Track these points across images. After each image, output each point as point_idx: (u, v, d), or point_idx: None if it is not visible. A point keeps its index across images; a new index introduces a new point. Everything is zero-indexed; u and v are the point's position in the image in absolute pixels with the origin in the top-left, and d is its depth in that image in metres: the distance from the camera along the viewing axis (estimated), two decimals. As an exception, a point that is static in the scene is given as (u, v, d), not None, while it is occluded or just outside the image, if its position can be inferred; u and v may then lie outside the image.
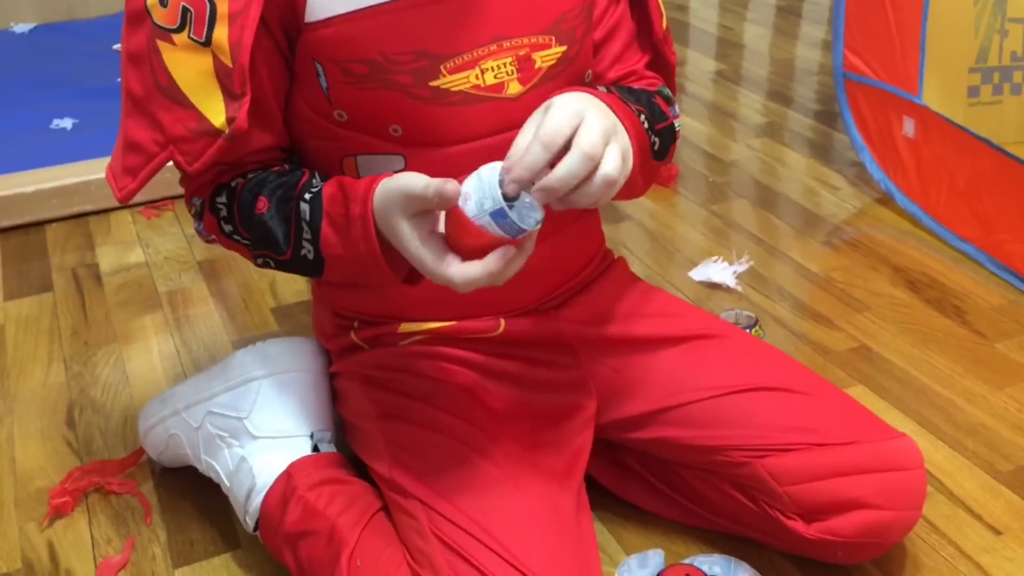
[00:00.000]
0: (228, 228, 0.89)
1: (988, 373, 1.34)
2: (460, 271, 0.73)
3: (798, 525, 0.95)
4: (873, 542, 0.94)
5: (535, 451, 0.94)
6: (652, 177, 0.96)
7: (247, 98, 0.80)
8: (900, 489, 0.93)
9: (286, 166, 0.90)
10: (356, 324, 1.00)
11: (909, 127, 1.72)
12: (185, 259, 1.68)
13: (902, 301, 1.52)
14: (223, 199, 0.88)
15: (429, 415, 0.93)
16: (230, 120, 0.81)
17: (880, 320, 1.48)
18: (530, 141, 0.71)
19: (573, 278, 1.03)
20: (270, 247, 0.86)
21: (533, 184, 0.71)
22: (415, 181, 0.73)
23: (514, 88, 0.87)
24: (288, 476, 0.96)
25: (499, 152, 0.87)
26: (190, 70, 0.82)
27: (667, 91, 1.00)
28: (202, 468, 1.07)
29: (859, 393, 1.31)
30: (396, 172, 0.88)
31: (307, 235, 0.83)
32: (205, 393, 1.07)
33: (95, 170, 1.80)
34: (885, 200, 1.82)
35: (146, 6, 0.83)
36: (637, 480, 1.09)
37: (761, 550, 1.04)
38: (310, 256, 0.84)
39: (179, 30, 0.81)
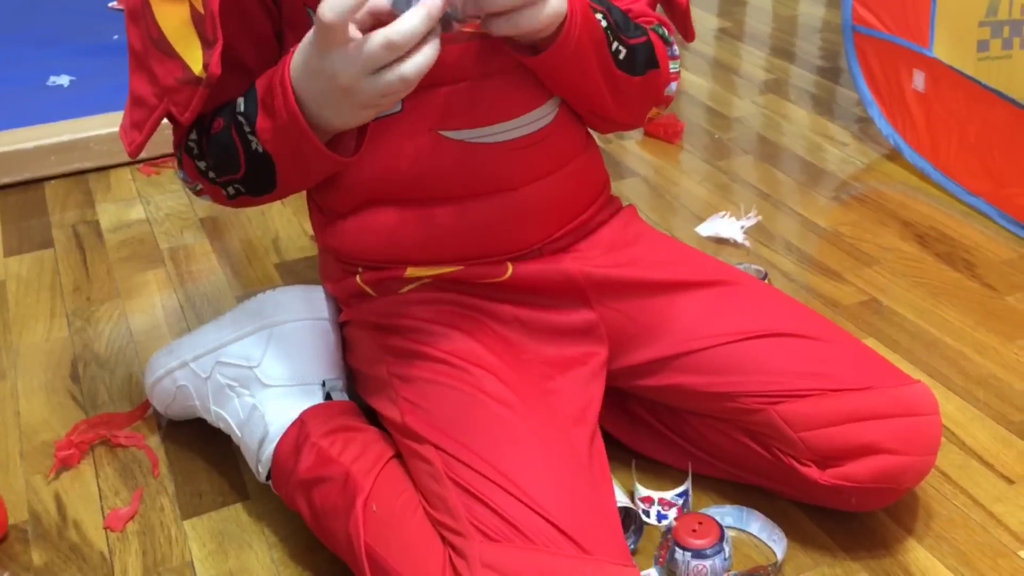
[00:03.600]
0: (202, 165, 0.89)
1: (999, 325, 1.34)
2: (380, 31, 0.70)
3: (812, 471, 0.94)
4: (887, 488, 0.94)
5: (548, 397, 0.93)
6: (624, 94, 0.93)
7: (219, 44, 0.80)
8: (915, 434, 0.92)
9: None
10: (361, 269, 0.99)
11: (919, 80, 1.70)
12: (187, 216, 1.66)
13: (911, 255, 1.51)
14: (194, 136, 0.90)
15: (440, 361, 0.92)
16: (205, 66, 0.81)
17: (889, 274, 1.46)
18: None
19: (577, 216, 1.01)
20: (229, 167, 0.86)
21: None
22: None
23: None
24: (301, 423, 0.95)
25: (499, 105, 0.88)
26: (173, 20, 0.83)
27: (664, 31, 0.98)
28: (211, 419, 1.06)
29: (871, 345, 1.30)
30: (395, 113, 0.87)
31: (247, 128, 0.82)
32: (214, 343, 1.05)
33: (93, 127, 1.77)
34: (893, 155, 1.81)
35: None
36: (647, 429, 1.08)
37: (774, 500, 1.04)
38: (259, 150, 0.83)
39: None
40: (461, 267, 0.96)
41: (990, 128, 1.57)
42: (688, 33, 1.06)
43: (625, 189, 1.74)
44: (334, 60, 0.72)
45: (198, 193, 0.96)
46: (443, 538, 0.82)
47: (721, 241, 1.56)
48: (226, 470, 1.11)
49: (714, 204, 1.68)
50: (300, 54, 0.77)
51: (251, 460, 1.00)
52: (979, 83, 1.60)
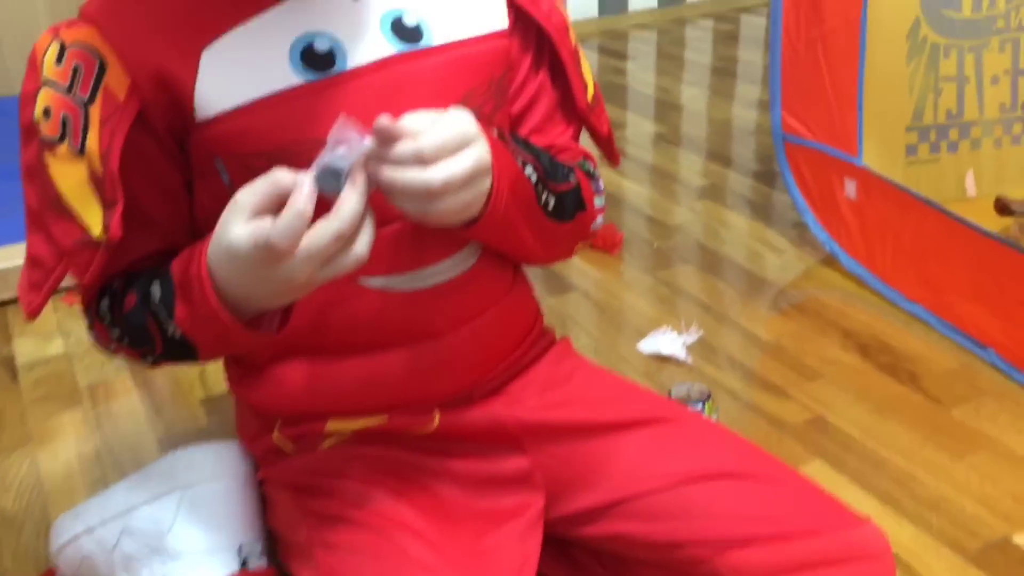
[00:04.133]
0: (115, 333, 0.84)
1: (947, 441, 1.31)
2: (277, 222, 0.66)
3: (764, 623, 0.89)
4: None
5: (481, 558, 0.87)
6: (553, 241, 0.90)
7: (119, 205, 0.76)
8: None
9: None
10: (278, 423, 0.93)
11: (851, 189, 1.71)
12: (109, 349, 1.59)
13: (855, 367, 1.49)
14: (106, 302, 0.84)
15: (363, 525, 0.86)
16: (105, 228, 0.77)
17: (834, 388, 1.44)
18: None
19: (508, 356, 0.97)
20: (145, 342, 0.81)
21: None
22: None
23: None
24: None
25: (419, 250, 0.85)
26: (71, 180, 0.78)
27: (589, 166, 0.96)
28: (118, 593, 0.98)
29: (818, 468, 1.27)
30: None
31: (163, 315, 0.78)
32: (122, 506, 0.98)
33: (10, 257, 1.70)
34: (830, 261, 1.81)
35: (34, 119, 0.79)
36: (580, 571, 1.02)
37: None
38: (177, 335, 0.79)
39: (61, 140, 0.78)
40: (384, 418, 0.91)
41: (923, 236, 1.58)
42: (613, 158, 1.04)
43: (568, 306, 1.71)
44: (281, 270, 0.68)
45: (112, 353, 0.90)
46: None
47: (663, 359, 1.53)
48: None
49: (656, 318, 1.65)
50: (226, 256, 0.71)
51: (159, 640, 0.92)
52: (909, 192, 1.61)
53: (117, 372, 1.52)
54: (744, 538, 0.89)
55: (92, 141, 0.77)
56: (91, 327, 0.88)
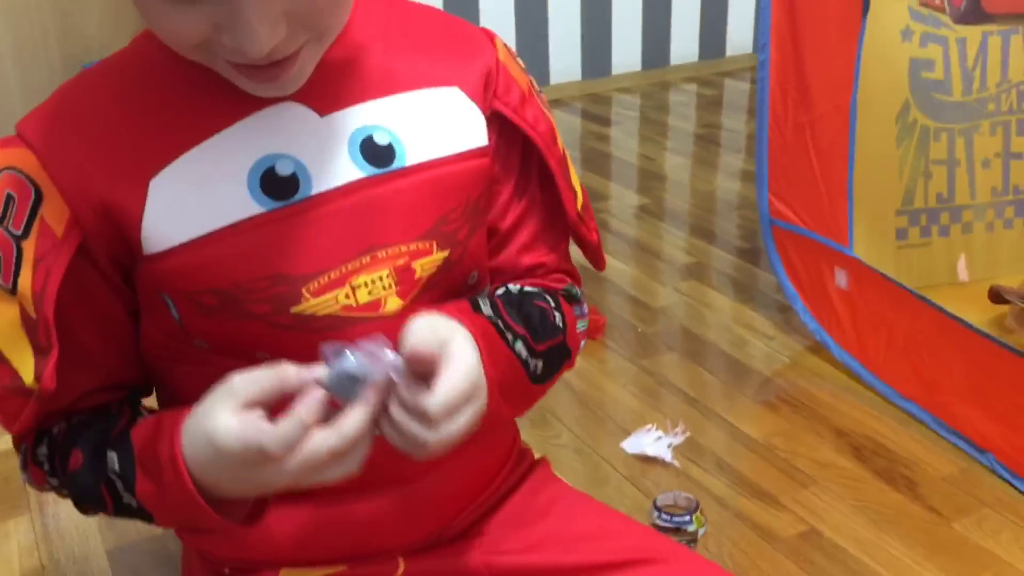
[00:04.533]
0: (55, 482, 0.76)
1: (949, 561, 1.23)
2: (275, 428, 0.61)
3: None
4: None
5: None
6: (529, 401, 0.84)
7: (54, 352, 0.69)
8: None
9: (119, 407, 0.77)
10: (227, 571, 0.85)
11: (841, 278, 1.66)
12: (61, 445, 1.50)
13: (849, 472, 1.42)
14: (44, 449, 0.75)
15: None
16: (37, 377, 0.69)
17: (828, 496, 1.36)
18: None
19: (480, 495, 0.89)
20: (93, 504, 0.73)
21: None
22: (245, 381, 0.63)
23: (393, 304, 0.75)
24: None
25: None
26: (1, 321, 0.70)
27: (575, 290, 0.89)
28: None
29: (813, 590, 1.19)
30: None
31: (120, 486, 0.70)
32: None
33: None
34: (818, 347, 1.74)
35: None
36: None
37: None
38: (134, 505, 0.71)
39: None
40: (343, 568, 0.83)
41: (917, 331, 1.52)
42: (599, 265, 0.98)
43: (548, 399, 1.62)
44: (265, 472, 0.63)
45: (44, 491, 0.82)
46: None
47: (648, 460, 1.45)
48: None
49: (640, 412, 1.58)
50: (206, 443, 0.64)
51: None
52: (901, 286, 1.55)
53: (68, 473, 1.43)
54: None
55: (25, 281, 0.69)
56: (24, 468, 0.80)
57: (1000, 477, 1.38)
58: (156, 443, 0.68)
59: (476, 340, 0.70)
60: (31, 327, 0.70)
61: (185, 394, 0.76)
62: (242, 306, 0.71)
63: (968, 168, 1.83)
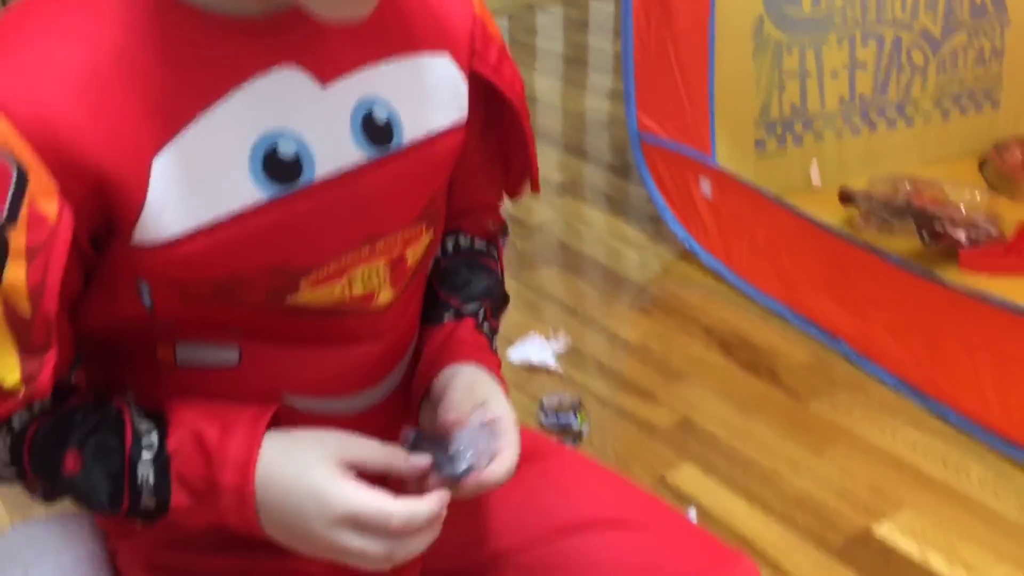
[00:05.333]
0: (13, 471, 0.70)
1: (807, 436, 1.36)
2: (404, 504, 0.64)
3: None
4: None
5: None
6: None
7: (52, 351, 0.63)
8: None
9: (84, 392, 0.72)
10: None
11: (706, 187, 1.75)
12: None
13: (718, 365, 1.52)
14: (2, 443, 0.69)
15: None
16: (28, 378, 0.63)
17: (700, 388, 1.47)
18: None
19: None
20: (93, 506, 0.69)
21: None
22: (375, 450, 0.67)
23: (385, 296, 0.74)
24: None
25: (354, 359, 0.76)
26: None
27: (502, 232, 0.93)
28: None
29: (688, 473, 1.29)
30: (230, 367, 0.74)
31: (150, 502, 0.67)
32: (-41, 589, 0.89)
33: None
34: (688, 255, 1.84)
35: None
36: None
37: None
38: (152, 511, 0.68)
39: None
40: None
41: (777, 234, 1.63)
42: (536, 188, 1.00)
43: (430, 315, 1.68)
44: (349, 539, 0.64)
45: None
46: None
47: (533, 368, 1.52)
48: None
49: (523, 323, 1.64)
50: (301, 493, 0.65)
51: None
52: (760, 190, 1.65)
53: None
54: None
55: (15, 275, 0.61)
56: None
57: (851, 362, 1.51)
58: (212, 467, 0.66)
59: (502, 388, 0.76)
60: (18, 323, 0.63)
61: (106, 358, 0.74)
62: (234, 295, 0.69)
63: (818, 79, 1.95)
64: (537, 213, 2.06)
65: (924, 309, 1.38)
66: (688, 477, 1.28)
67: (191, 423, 0.68)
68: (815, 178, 2.00)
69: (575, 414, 1.37)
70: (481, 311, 0.83)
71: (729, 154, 1.79)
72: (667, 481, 1.29)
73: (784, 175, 1.95)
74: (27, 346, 0.63)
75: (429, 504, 0.65)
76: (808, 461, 1.31)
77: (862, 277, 1.48)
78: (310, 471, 0.64)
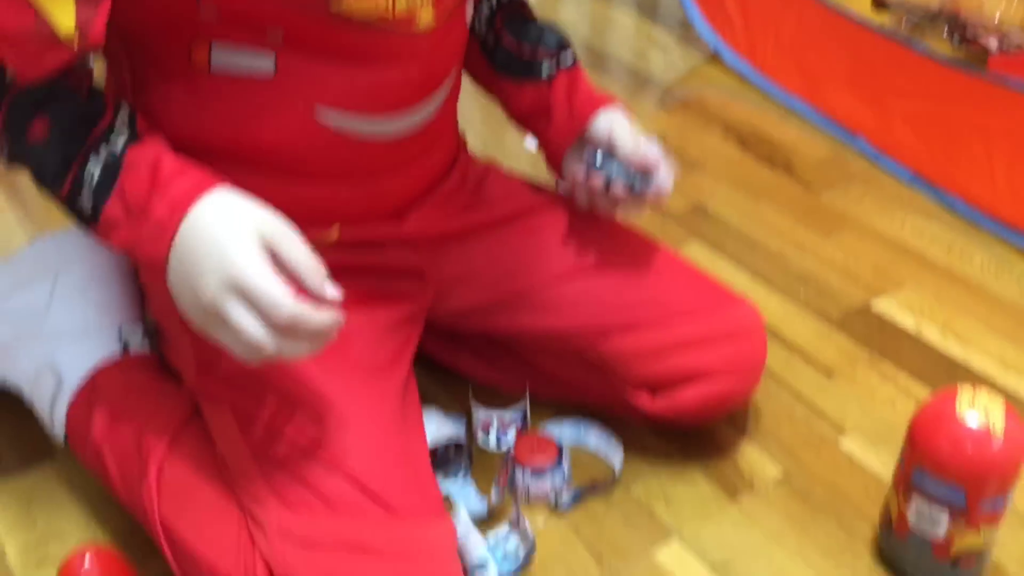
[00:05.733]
0: None
1: (816, 222, 1.37)
2: (299, 304, 0.65)
3: (644, 401, 0.94)
4: (715, 410, 0.95)
5: (354, 343, 0.86)
6: None
7: (107, 1, 0.64)
8: (739, 355, 0.93)
9: (87, 80, 0.73)
10: None
11: (736, -18, 1.71)
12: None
13: (733, 157, 1.53)
14: None
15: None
16: (82, 24, 0.63)
17: (713, 177, 1.48)
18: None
19: (426, 189, 0.94)
20: (40, 180, 0.72)
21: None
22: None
23: (426, 16, 0.75)
24: (93, 380, 0.87)
25: (389, 79, 0.77)
26: None
27: None
28: (-2, 384, 0.96)
29: (696, 249, 1.32)
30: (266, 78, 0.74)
31: (87, 200, 0.70)
32: (-6, 293, 0.95)
33: None
34: (714, 59, 1.82)
35: None
36: (481, 356, 1.05)
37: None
38: (86, 212, 0.71)
39: None
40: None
41: (803, 28, 1.60)
42: None
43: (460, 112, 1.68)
44: (235, 309, 0.65)
45: None
46: (241, 505, 0.76)
47: (549, 153, 1.53)
48: (24, 427, 1.01)
49: (542, 115, 1.64)
50: (200, 250, 0.65)
51: (45, 420, 0.92)
52: (791, -18, 1.61)
53: (-21, 175, 1.44)
54: (627, 324, 0.92)
55: None
56: None
57: (867, 157, 1.50)
58: (152, 195, 0.67)
59: None
60: None
61: (140, 51, 0.75)
62: None
63: None
64: (563, 13, 2.03)
65: (947, 98, 1.37)
66: (697, 253, 1.31)
67: (157, 150, 0.70)
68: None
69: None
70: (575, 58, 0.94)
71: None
72: (674, 257, 1.31)
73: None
74: None
75: (322, 316, 0.65)
76: (814, 244, 1.33)
77: (887, 69, 1.46)
78: (231, 233, 0.65)
